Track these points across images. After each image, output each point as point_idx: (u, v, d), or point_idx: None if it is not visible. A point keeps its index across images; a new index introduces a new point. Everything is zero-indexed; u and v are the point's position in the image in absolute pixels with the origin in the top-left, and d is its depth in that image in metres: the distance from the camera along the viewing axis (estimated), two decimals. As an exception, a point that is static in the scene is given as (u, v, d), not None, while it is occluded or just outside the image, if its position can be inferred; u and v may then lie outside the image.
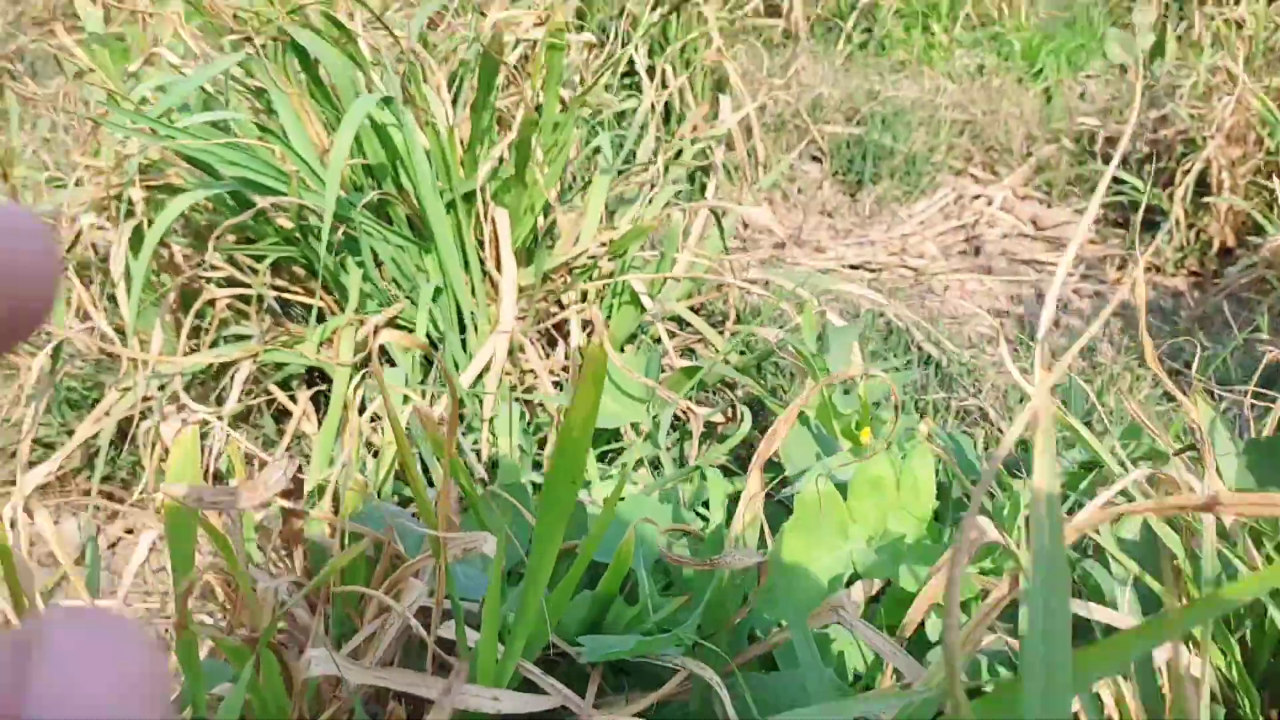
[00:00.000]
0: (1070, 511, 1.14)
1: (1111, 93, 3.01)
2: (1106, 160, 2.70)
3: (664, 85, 2.49)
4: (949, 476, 1.33)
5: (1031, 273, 2.46)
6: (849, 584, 0.99)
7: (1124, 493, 1.03)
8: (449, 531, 0.88)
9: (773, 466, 1.44)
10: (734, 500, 1.27)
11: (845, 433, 1.21)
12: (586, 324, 1.69)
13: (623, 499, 1.24)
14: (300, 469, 0.94)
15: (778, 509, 1.42)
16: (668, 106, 2.52)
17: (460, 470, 0.84)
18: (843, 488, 1.09)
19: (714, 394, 1.76)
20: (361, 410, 1.53)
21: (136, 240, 1.42)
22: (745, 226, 2.46)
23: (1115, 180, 2.60)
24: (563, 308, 1.72)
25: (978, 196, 2.73)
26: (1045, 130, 2.88)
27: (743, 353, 1.87)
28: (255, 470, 1.54)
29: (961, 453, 1.36)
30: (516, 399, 1.51)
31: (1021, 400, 1.83)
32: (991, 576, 0.99)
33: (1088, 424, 1.55)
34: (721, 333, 1.76)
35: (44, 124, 2.14)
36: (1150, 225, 2.49)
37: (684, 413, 1.53)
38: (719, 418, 1.52)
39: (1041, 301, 2.36)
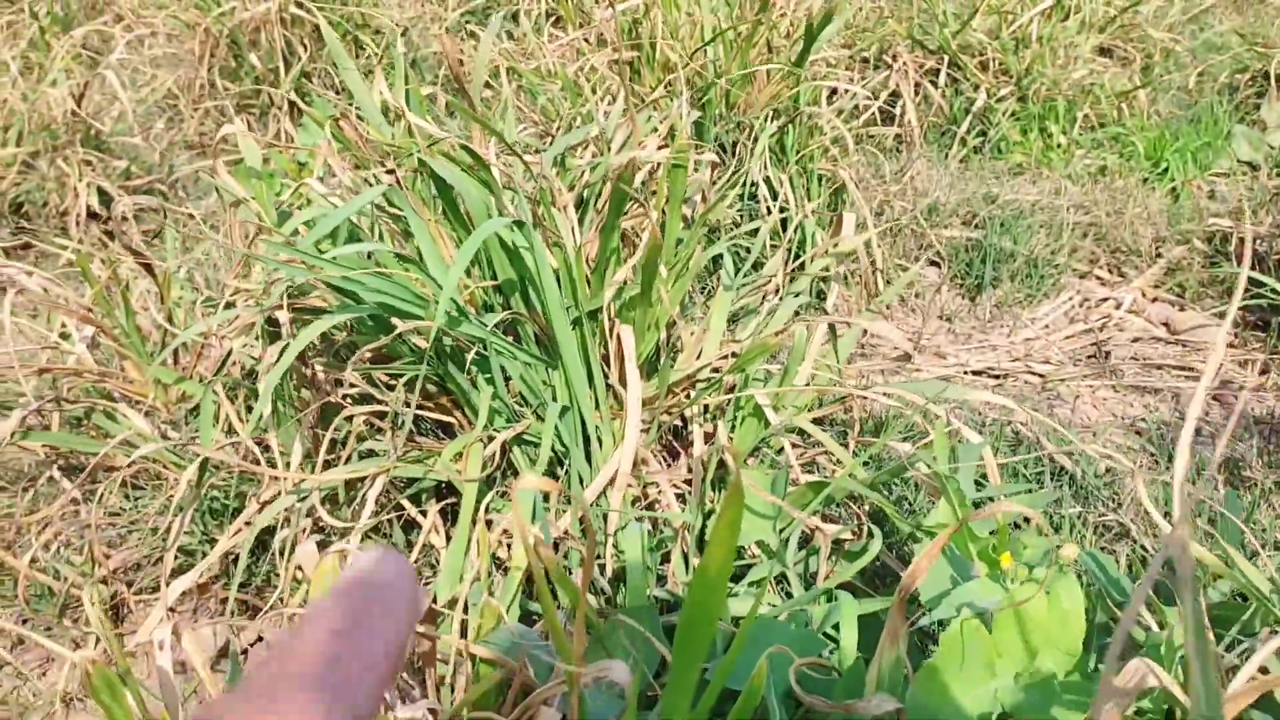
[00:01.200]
0: (1229, 648, 1.08)
1: (1243, 192, 2.92)
2: (1241, 262, 2.61)
3: (777, 195, 2.52)
4: (1093, 601, 1.27)
5: (1167, 378, 2.36)
6: (996, 723, 0.94)
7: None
8: (574, 664, 0.88)
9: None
10: (864, 621, 1.23)
11: (982, 556, 1.17)
12: (709, 436, 1.69)
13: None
14: (434, 599, 0.96)
15: (911, 634, 1.37)
16: (784, 209, 2.55)
17: (590, 612, 0.85)
18: (983, 616, 1.05)
19: (838, 507, 1.73)
20: (488, 524, 1.55)
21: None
22: (865, 334, 2.44)
23: (1253, 282, 2.50)
24: (685, 420, 1.72)
25: (1105, 299, 2.66)
26: (1174, 231, 2.80)
27: (866, 464, 1.84)
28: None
29: (1105, 573, 1.30)
30: (639, 517, 1.51)
31: (1167, 515, 1.75)
32: (1151, 717, 0.93)
33: (1240, 544, 1.46)
34: (845, 445, 1.74)
35: (199, 248, 2.29)
36: (1294, 328, 2.38)
37: (811, 530, 1.51)
38: (846, 534, 1.49)
39: (1179, 407, 2.26)
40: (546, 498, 1.48)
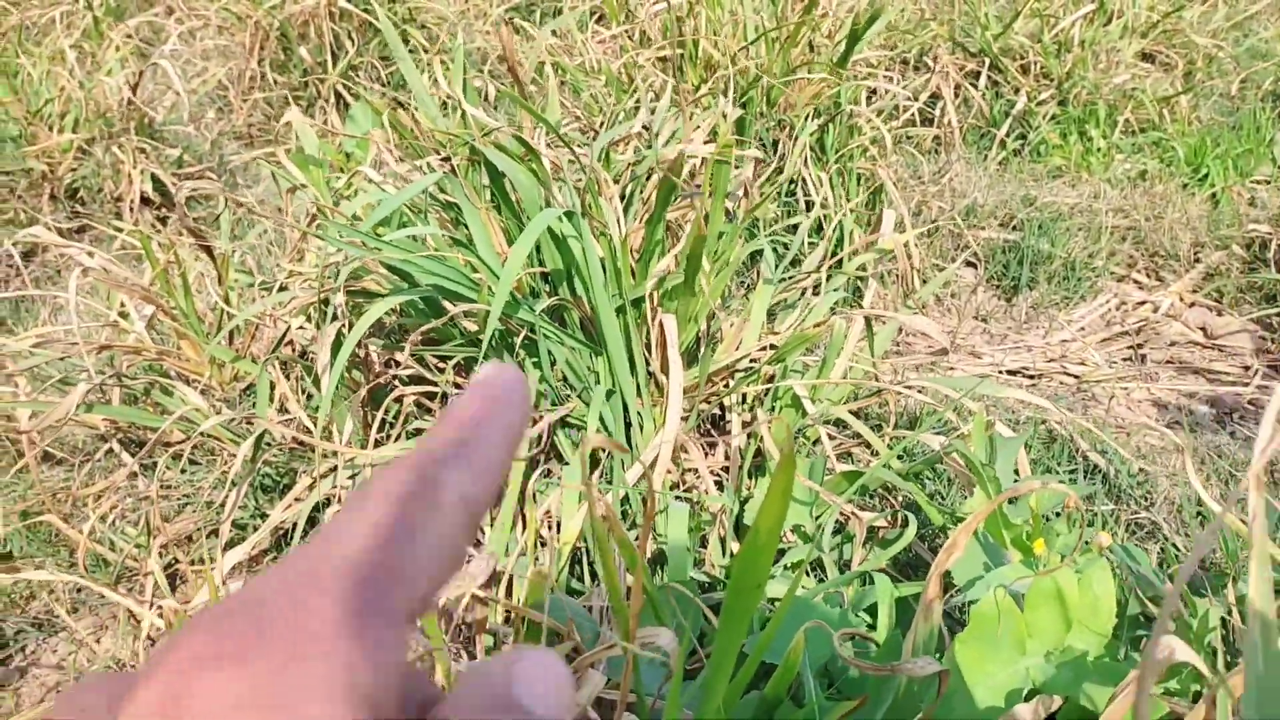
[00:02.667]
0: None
1: (1285, 198, 2.91)
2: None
3: (816, 193, 2.55)
4: (1124, 593, 1.29)
5: (1203, 382, 2.37)
6: (1026, 700, 0.97)
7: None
8: (630, 625, 0.92)
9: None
10: (899, 605, 1.27)
11: (1016, 543, 1.20)
12: (746, 425, 1.73)
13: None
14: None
15: (944, 619, 1.40)
16: (823, 208, 2.58)
17: (644, 570, 0.89)
18: (1016, 600, 1.08)
19: (871, 498, 1.77)
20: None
21: (337, 340, 1.54)
22: (900, 332, 2.46)
23: (1292, 288, 2.51)
24: (724, 409, 1.76)
25: (1142, 303, 2.67)
26: (1213, 237, 2.80)
27: (900, 457, 1.87)
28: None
29: (1138, 568, 1.32)
30: (679, 497, 1.55)
31: (1199, 515, 1.76)
32: (1178, 699, 0.96)
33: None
34: (881, 438, 1.77)
35: (251, 233, 2.36)
36: (1333, 335, 2.38)
37: (845, 517, 1.54)
38: (881, 522, 1.52)
39: (1214, 412, 2.27)
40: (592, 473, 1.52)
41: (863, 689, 1.11)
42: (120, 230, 2.47)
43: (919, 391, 1.63)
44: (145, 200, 3.01)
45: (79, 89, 3.12)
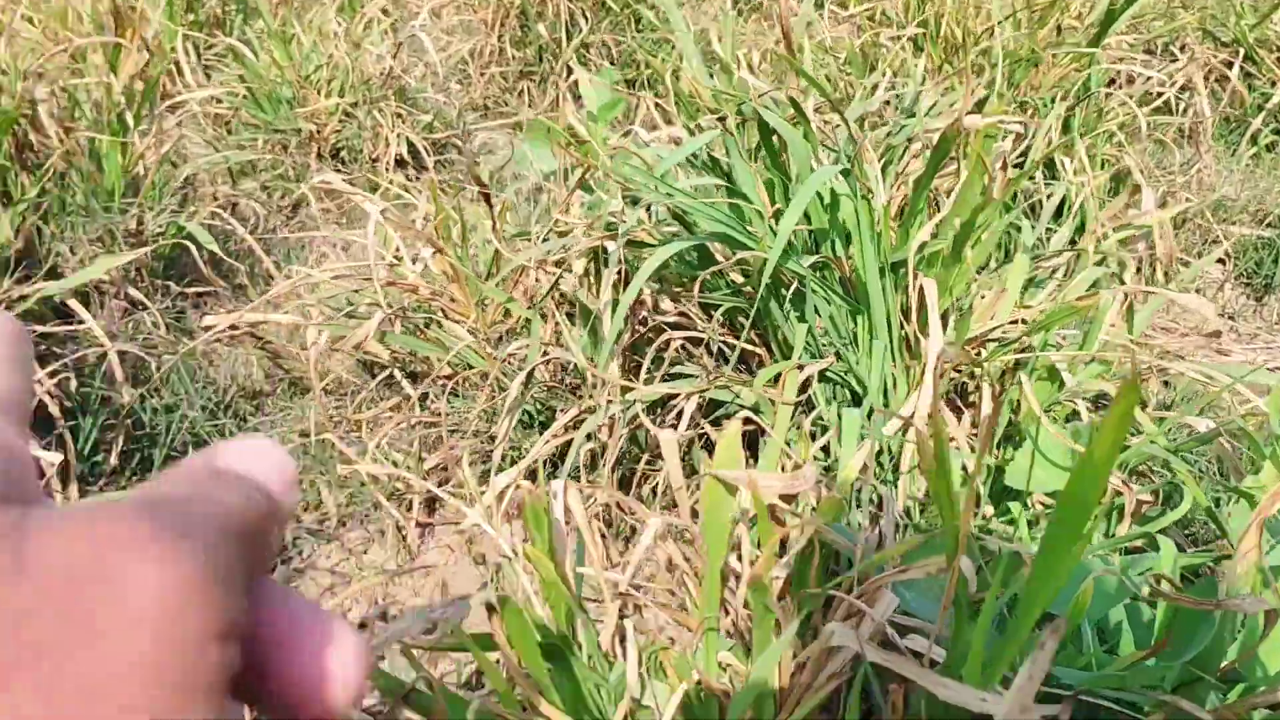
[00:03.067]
0: None
1: None
2: None
3: (1057, 176, 2.50)
4: None
5: None
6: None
7: None
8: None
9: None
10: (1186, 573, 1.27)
11: (1310, 519, 1.18)
12: (996, 394, 1.74)
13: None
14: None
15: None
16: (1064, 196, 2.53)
17: (955, 502, 0.93)
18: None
19: (1128, 476, 1.74)
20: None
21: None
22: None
23: None
24: (973, 377, 1.78)
25: None
26: None
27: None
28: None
29: None
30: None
31: None
32: None
33: None
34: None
35: (510, 188, 2.52)
36: None
37: (1107, 488, 1.53)
38: (1145, 496, 1.51)
39: None
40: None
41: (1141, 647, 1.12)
42: (389, 184, 2.68)
43: (1188, 371, 1.60)
44: (399, 162, 3.24)
45: (345, 57, 3.39)
